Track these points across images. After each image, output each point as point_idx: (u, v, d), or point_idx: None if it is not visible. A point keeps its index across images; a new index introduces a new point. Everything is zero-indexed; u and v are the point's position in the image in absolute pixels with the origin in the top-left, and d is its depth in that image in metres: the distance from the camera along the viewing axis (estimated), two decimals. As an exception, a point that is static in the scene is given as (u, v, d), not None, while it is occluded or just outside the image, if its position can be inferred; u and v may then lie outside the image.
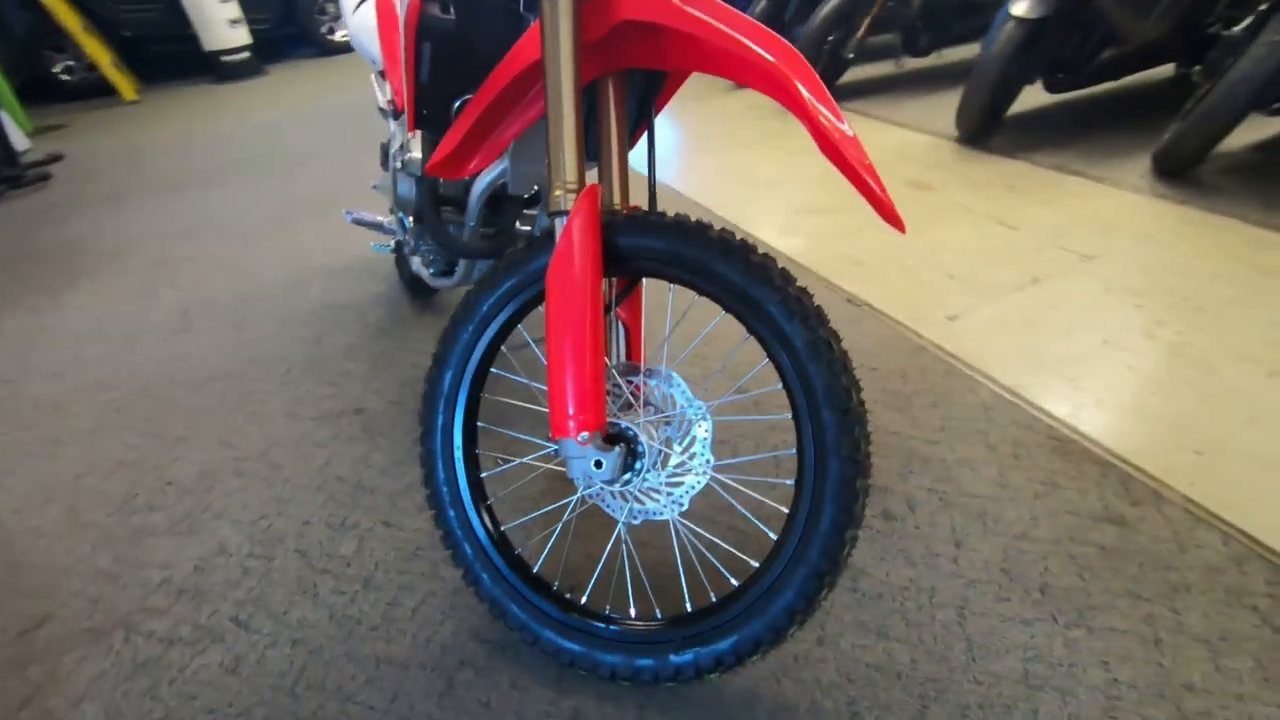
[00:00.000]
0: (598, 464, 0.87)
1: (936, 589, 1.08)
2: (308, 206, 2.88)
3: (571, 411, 0.85)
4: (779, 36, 0.85)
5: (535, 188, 1.31)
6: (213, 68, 5.48)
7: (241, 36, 5.45)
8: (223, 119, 4.53)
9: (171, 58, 5.60)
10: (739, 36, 0.84)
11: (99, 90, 5.31)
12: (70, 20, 4.97)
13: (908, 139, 2.86)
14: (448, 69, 1.00)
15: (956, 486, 1.24)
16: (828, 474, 0.85)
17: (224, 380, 1.79)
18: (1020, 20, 2.32)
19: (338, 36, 6.05)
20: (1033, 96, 2.79)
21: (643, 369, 0.99)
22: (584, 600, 1.02)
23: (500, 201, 1.30)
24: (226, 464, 1.50)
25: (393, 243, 1.68)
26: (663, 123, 3.41)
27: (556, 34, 0.84)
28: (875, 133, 2.98)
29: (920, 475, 1.28)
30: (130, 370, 1.88)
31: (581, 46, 0.87)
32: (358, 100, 4.56)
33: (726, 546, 1.03)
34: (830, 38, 3.15)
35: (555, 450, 0.90)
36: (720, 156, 2.90)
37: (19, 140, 4.05)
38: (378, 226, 1.70)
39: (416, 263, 1.47)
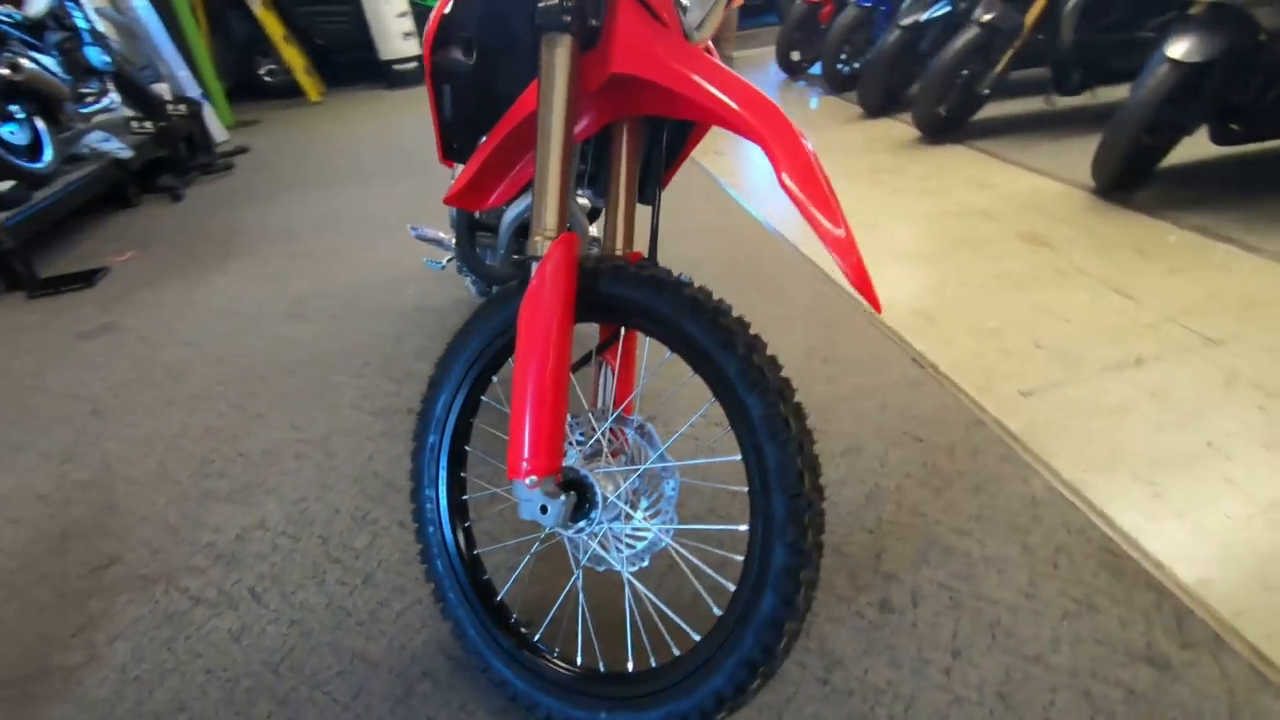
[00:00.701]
0: (543, 509, 0.88)
1: (916, 700, 0.98)
2: (433, 208, 3.11)
3: (525, 454, 0.86)
4: (759, 92, 0.84)
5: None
6: (385, 75, 6.06)
7: (412, 48, 5.98)
8: (384, 121, 5.00)
9: (353, 64, 6.26)
10: (715, 91, 0.83)
11: (292, 91, 6.04)
12: (275, 30, 5.71)
13: (1037, 186, 2.61)
14: (470, 106, 1.04)
15: (974, 587, 1.12)
16: (771, 560, 0.81)
17: (311, 367, 1.97)
18: (1176, 64, 2.04)
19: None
20: (1197, 147, 2.44)
21: (611, 417, 0.98)
22: (537, 637, 1.03)
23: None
24: (290, 445, 1.66)
25: (445, 260, 1.78)
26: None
27: (551, 86, 0.86)
28: (1001, 177, 2.74)
29: (936, 567, 1.16)
30: (243, 348, 2.12)
31: (577, 99, 0.89)
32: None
33: (671, 614, 0.99)
34: (964, 72, 2.95)
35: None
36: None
37: (219, 132, 4.71)
38: (438, 243, 1.81)
39: (467, 281, 1.55)
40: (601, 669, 0.97)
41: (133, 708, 1.08)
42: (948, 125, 3.11)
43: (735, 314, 0.88)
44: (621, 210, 1.05)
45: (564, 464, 0.94)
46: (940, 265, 2.11)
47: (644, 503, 0.98)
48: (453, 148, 1.15)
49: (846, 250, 0.79)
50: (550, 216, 0.88)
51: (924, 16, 3.15)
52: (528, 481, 0.86)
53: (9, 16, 2.96)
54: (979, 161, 2.92)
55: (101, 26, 3.93)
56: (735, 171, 3.10)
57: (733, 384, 0.84)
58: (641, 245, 1.09)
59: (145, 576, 1.33)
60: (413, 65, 6.06)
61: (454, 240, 1.71)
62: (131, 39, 4.40)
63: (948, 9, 3.11)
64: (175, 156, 3.92)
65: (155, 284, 2.67)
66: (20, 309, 2.59)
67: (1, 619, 1.27)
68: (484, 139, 1.15)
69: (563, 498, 0.88)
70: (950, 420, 1.48)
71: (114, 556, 1.38)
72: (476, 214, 1.35)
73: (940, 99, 2.99)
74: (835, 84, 4.05)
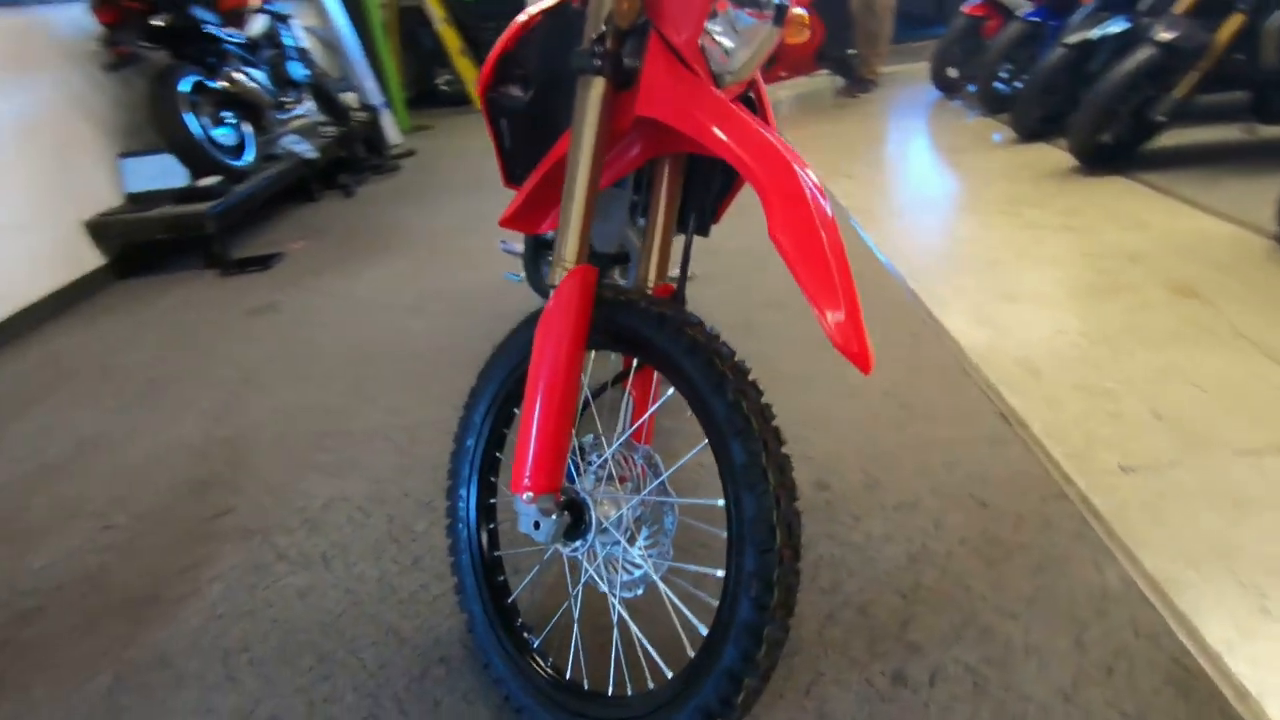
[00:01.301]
0: (536, 524, 0.92)
1: (906, 784, 0.91)
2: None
3: (527, 471, 0.91)
4: (771, 141, 0.83)
5: (620, 246, 1.38)
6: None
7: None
8: None
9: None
10: (722, 136, 0.83)
11: (463, 100, 6.59)
12: (453, 44, 6.25)
13: (1204, 228, 2.27)
14: (527, 137, 1.11)
15: (1005, 676, 1.02)
16: (736, 613, 0.80)
17: (418, 359, 2.17)
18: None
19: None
20: None
21: (617, 443, 1.00)
22: (537, 644, 1.08)
23: (591, 255, 1.39)
24: (386, 428, 1.84)
25: (523, 274, 1.88)
26: (893, 171, 3.18)
27: (581, 125, 0.91)
28: (1162, 215, 2.41)
29: (967, 646, 1.07)
30: (370, 335, 2.38)
31: (607, 137, 0.93)
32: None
33: (649, 647, 0.99)
34: (1136, 96, 2.63)
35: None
36: (945, 218, 2.62)
37: (394, 136, 5.25)
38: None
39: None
40: (585, 686, 1.01)
41: (211, 641, 1.27)
42: (1111, 154, 2.79)
43: (737, 359, 0.87)
44: (657, 243, 1.07)
45: (569, 485, 0.99)
46: (1063, 312, 1.91)
47: (645, 532, 1.00)
48: (514, 174, 1.23)
49: (829, 306, 0.76)
50: (569, 249, 0.92)
51: (1095, 34, 2.85)
52: (525, 497, 0.91)
53: (233, 37, 3.51)
54: (1140, 196, 2.59)
55: (307, 42, 4.54)
56: (858, 195, 2.98)
57: (720, 428, 0.84)
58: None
59: (248, 529, 1.54)
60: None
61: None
62: (332, 53, 5.04)
63: (1125, 26, 2.79)
64: (353, 157, 4.43)
65: (316, 271, 3.05)
66: (212, 285, 3.07)
67: (136, 548, 1.53)
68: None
69: (554, 516, 0.92)
70: (1026, 488, 1.35)
71: (229, 508, 1.62)
72: (547, 234, 1.43)
73: (1104, 125, 2.69)
74: (991, 104, 3.76)
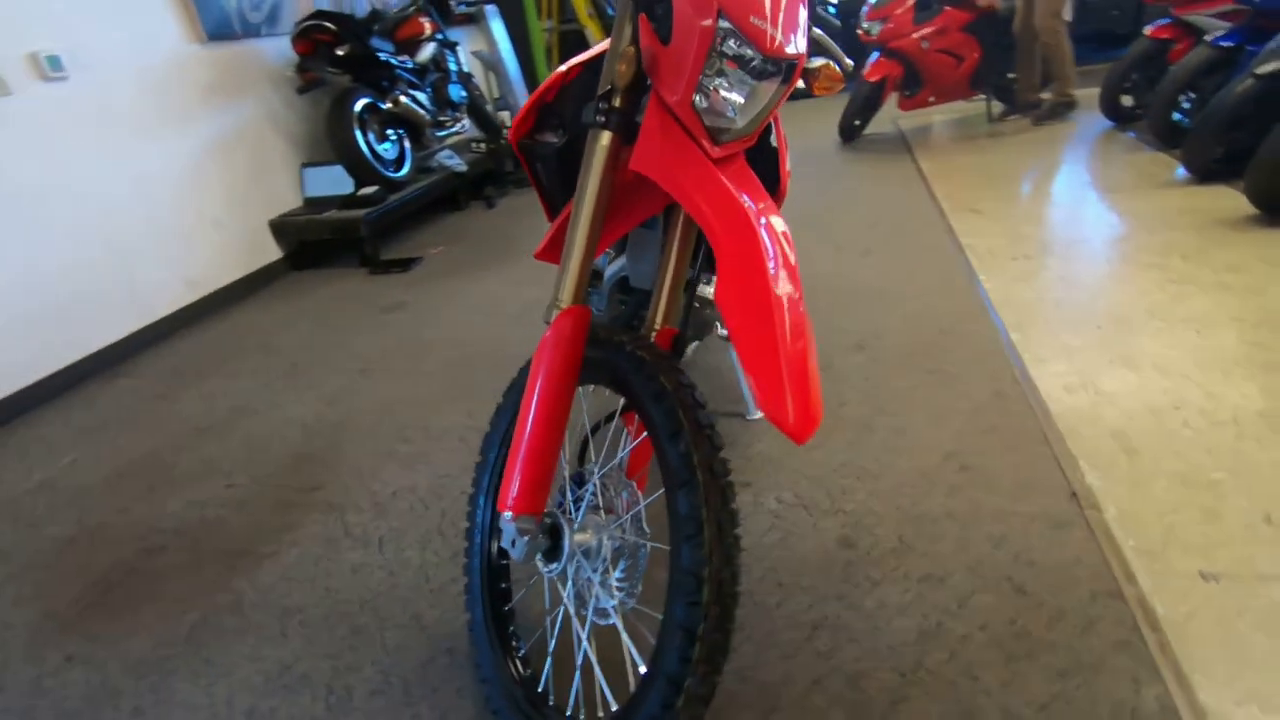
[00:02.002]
0: (513, 542, 0.99)
1: None
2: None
3: (513, 491, 0.99)
4: (742, 206, 0.85)
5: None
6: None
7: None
8: None
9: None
10: (696, 198, 0.85)
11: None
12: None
13: None
14: (562, 179, 1.18)
15: (988, 783, 0.94)
16: (661, 663, 0.82)
17: (506, 366, 2.32)
18: None
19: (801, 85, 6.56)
20: None
21: (598, 474, 1.04)
22: (522, 652, 1.14)
23: (630, 291, 1.44)
24: (460, 429, 2.00)
25: None
26: (1032, 208, 2.90)
27: (587, 175, 0.97)
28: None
29: (955, 742, 0.99)
30: (474, 339, 2.59)
31: (610, 187, 0.98)
32: (799, 143, 4.95)
33: (602, 678, 1.01)
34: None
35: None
36: (1076, 264, 2.37)
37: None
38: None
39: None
40: (550, 701, 1.06)
41: (277, 598, 1.46)
42: (1305, 203, 2.38)
43: (701, 413, 0.88)
44: (666, 288, 1.10)
45: (554, 509, 1.05)
46: (1186, 385, 1.67)
47: (622, 565, 1.03)
48: (555, 212, 1.30)
49: (762, 373, 0.76)
50: (566, 290, 0.98)
51: (1296, 63, 2.45)
52: (506, 515, 0.99)
53: (403, 63, 3.95)
54: (1265, 243, 2.19)
55: (470, 65, 4.98)
56: (983, 233, 2.77)
57: (670, 476, 0.86)
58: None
59: (330, 504, 1.75)
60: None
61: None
62: (494, 74, 5.48)
63: (1337, 54, 2.37)
64: (499, 171, 4.79)
65: (447, 275, 3.35)
66: (362, 282, 3.47)
67: (245, 507, 1.79)
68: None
69: (526, 538, 0.98)
70: (1077, 580, 1.21)
71: (320, 484, 1.84)
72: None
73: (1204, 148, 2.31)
74: (1165, 137, 3.33)
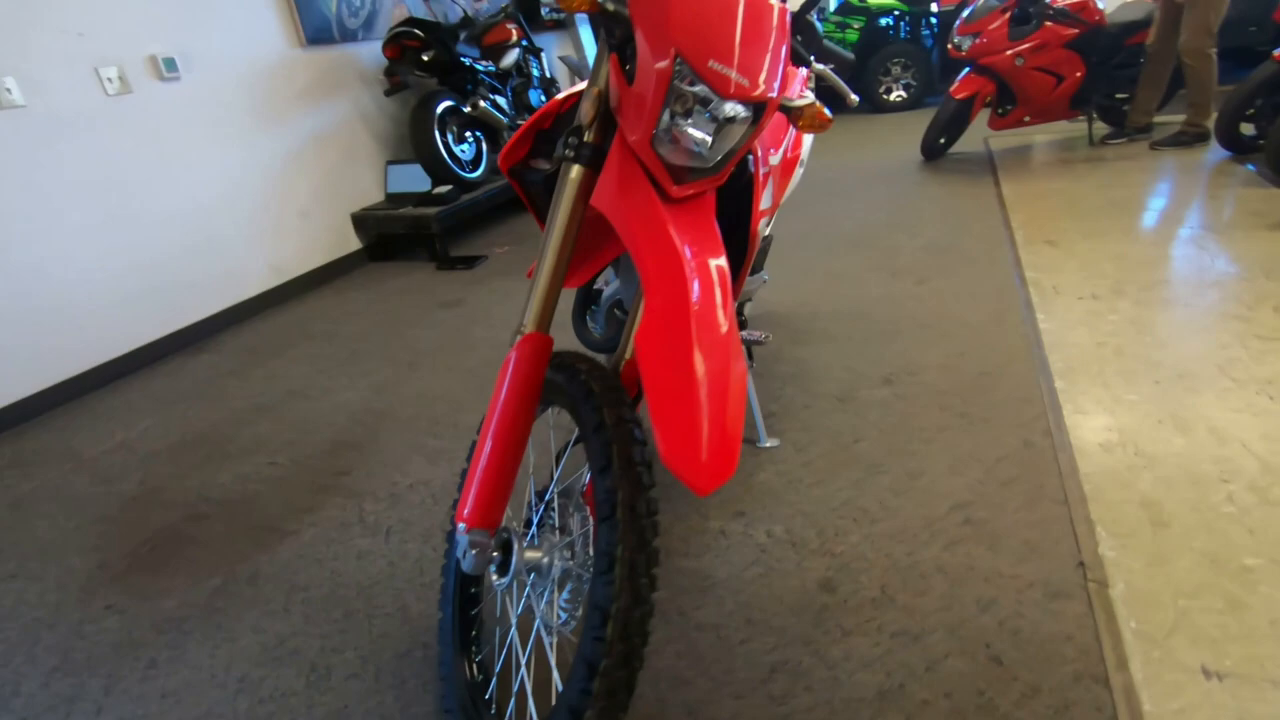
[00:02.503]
0: (464, 553, 1.03)
1: None
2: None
3: (469, 505, 1.03)
4: (678, 251, 0.85)
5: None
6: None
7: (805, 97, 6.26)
8: None
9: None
10: (636, 236, 0.86)
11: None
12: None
13: None
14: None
15: None
16: (565, 695, 0.84)
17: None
18: None
19: (893, 97, 6.35)
20: None
21: (550, 494, 1.07)
22: (479, 658, 1.19)
23: (626, 311, 1.46)
24: (486, 429, 2.07)
25: None
26: (1116, 243, 2.67)
27: (557, 206, 1.00)
28: None
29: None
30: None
31: (579, 217, 1.00)
32: (879, 159, 4.82)
33: (529, 693, 1.03)
34: None
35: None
36: (1150, 309, 2.18)
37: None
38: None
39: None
40: (493, 708, 1.09)
41: (290, 575, 1.58)
42: None
43: (634, 448, 0.89)
44: (637, 320, 1.11)
45: (511, 525, 1.08)
46: (1244, 456, 1.52)
47: (570, 586, 1.06)
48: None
49: (669, 419, 0.76)
50: (530, 316, 1.02)
51: None
52: (460, 527, 1.03)
53: (487, 68, 4.11)
54: None
55: (556, 70, 5.12)
56: (1053, 268, 2.60)
57: (598, 508, 0.87)
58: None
59: (352, 490, 1.87)
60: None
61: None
62: (579, 79, 5.60)
63: None
64: (574, 175, 4.90)
65: (505, 274, 3.47)
66: (427, 276, 3.64)
67: (281, 485, 1.93)
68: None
69: (473, 551, 1.02)
70: (1063, 659, 1.13)
71: (349, 469, 1.97)
72: (595, 286, 1.52)
73: None
74: (1285, 172, 3.00)
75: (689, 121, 0.92)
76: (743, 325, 1.89)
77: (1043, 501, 1.48)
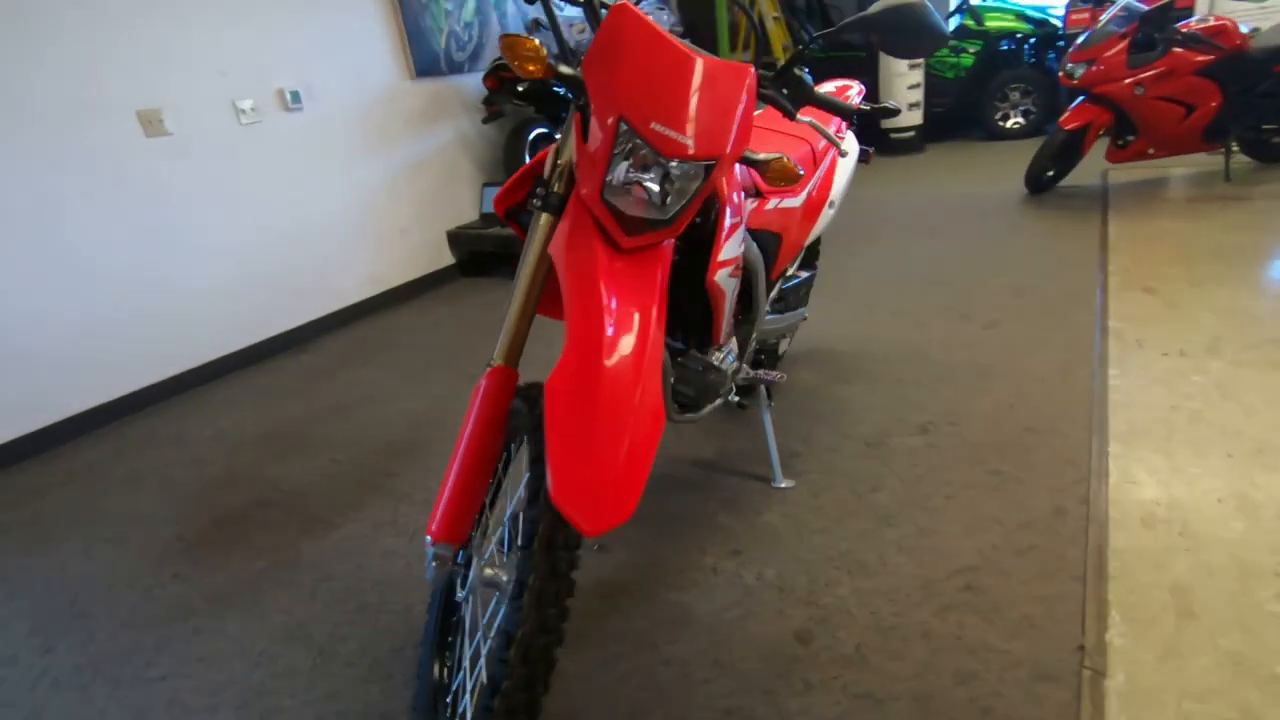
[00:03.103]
0: (428, 565, 1.12)
1: None
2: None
3: (436, 520, 1.12)
4: (601, 304, 0.90)
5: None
6: (879, 141, 6.29)
7: (914, 118, 6.04)
8: (858, 189, 5.21)
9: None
10: (565, 287, 0.91)
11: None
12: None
13: None
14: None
15: None
16: (475, 710, 0.89)
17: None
18: None
19: (1010, 124, 6.00)
20: None
21: (509, 512, 1.13)
22: (449, 662, 1.27)
23: None
24: (523, 444, 2.18)
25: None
26: (1228, 295, 2.39)
27: (527, 250, 1.08)
28: None
29: None
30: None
31: (545, 261, 1.07)
32: (979, 190, 4.59)
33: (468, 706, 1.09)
34: None
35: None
36: (1246, 371, 1.94)
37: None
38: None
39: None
40: (448, 713, 1.17)
41: (323, 564, 1.74)
42: None
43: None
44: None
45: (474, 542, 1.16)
46: (1312, 548, 1.34)
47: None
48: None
49: (563, 460, 0.80)
50: (499, 351, 1.10)
51: None
52: (427, 540, 1.12)
53: (580, 97, 4.30)
54: None
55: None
56: (1141, 318, 2.38)
57: (523, 536, 0.93)
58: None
59: (393, 492, 2.02)
60: (910, 135, 6.13)
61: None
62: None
63: None
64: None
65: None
66: (508, 293, 3.84)
67: (337, 481, 2.13)
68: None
69: (434, 564, 1.10)
70: (1036, 747, 1.06)
71: (396, 472, 2.13)
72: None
73: None
74: None
75: (648, 175, 0.97)
76: (760, 364, 1.88)
77: (1058, 575, 1.37)
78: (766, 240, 1.55)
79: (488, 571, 1.11)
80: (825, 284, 3.18)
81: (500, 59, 3.95)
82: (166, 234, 2.86)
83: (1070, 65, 3.81)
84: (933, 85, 6.09)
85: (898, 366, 2.31)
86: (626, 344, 0.90)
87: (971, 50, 6.03)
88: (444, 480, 1.11)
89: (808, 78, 1.21)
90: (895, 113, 2.03)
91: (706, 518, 1.70)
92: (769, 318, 1.80)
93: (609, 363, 0.88)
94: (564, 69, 1.01)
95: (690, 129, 0.94)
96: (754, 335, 1.67)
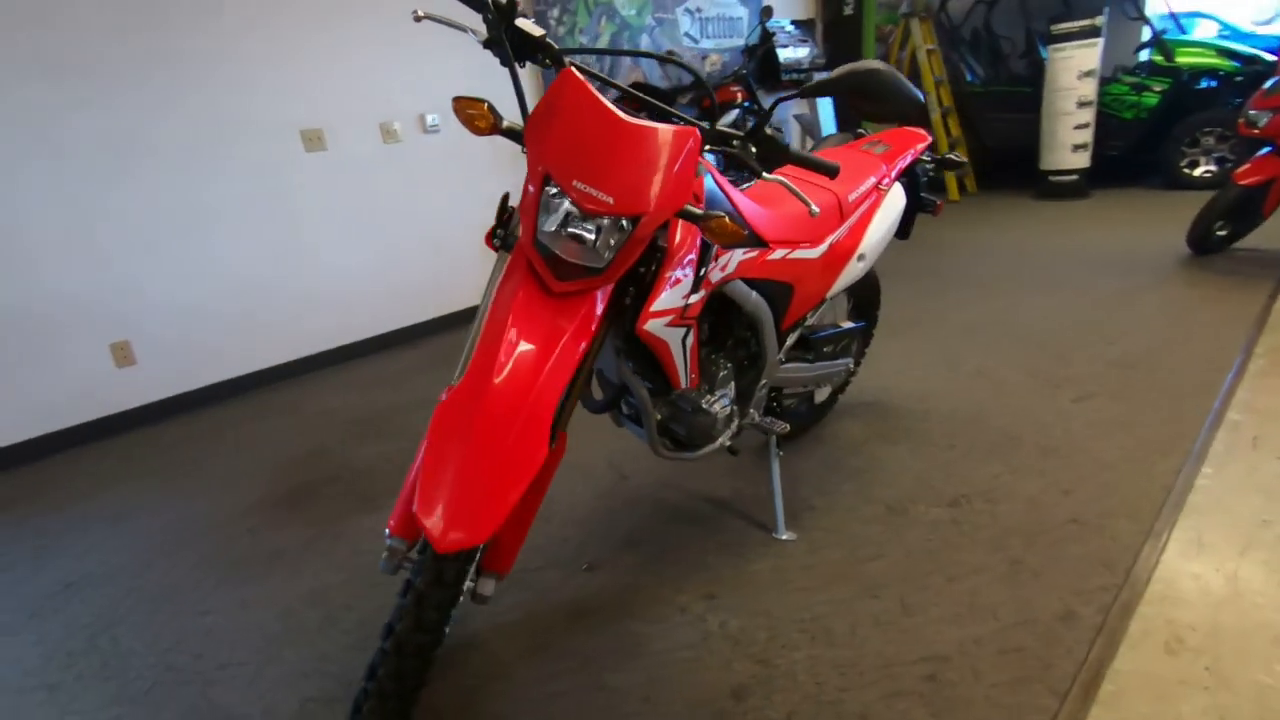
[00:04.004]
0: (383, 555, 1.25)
1: None
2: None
3: (395, 515, 1.25)
4: (525, 350, 0.97)
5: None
6: (1038, 183, 5.78)
7: (1079, 161, 5.50)
8: (1008, 232, 4.72)
9: (1009, 167, 6.17)
10: (496, 331, 1.00)
11: (936, 186, 6.44)
12: (955, 129, 6.15)
13: None
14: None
15: None
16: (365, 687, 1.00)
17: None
18: None
19: (1197, 173, 5.28)
20: None
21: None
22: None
23: (606, 385, 1.55)
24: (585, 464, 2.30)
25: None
26: None
27: (490, 286, 1.18)
28: None
29: None
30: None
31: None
32: (1135, 244, 4.13)
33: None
34: None
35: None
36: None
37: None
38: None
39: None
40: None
41: (358, 541, 1.96)
42: None
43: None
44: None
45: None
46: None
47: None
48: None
49: (432, 485, 0.88)
50: (458, 371, 1.21)
51: None
52: (385, 532, 1.26)
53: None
54: None
55: (790, 127, 5.26)
56: (1271, 413, 2.04)
57: (422, 544, 1.03)
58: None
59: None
60: (1072, 179, 5.59)
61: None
62: (809, 137, 5.65)
63: None
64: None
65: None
66: (605, 311, 4.02)
67: (396, 468, 2.37)
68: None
69: (385, 554, 1.23)
70: None
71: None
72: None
73: None
74: None
75: (585, 226, 1.05)
76: (771, 411, 1.86)
77: (1035, 687, 1.24)
78: (774, 290, 1.55)
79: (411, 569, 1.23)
80: (912, 333, 3.02)
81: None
82: (310, 234, 3.33)
83: (1253, 113, 3.32)
84: (1107, 126, 5.52)
85: (954, 431, 2.16)
86: (520, 376, 0.97)
87: (1157, 89, 5.39)
88: (406, 479, 1.24)
89: (785, 139, 1.22)
90: (960, 165, 1.93)
91: (697, 556, 1.71)
92: (790, 366, 1.77)
93: (495, 389, 0.96)
94: (509, 125, 1.11)
95: (613, 187, 1.00)
96: (761, 383, 1.66)
